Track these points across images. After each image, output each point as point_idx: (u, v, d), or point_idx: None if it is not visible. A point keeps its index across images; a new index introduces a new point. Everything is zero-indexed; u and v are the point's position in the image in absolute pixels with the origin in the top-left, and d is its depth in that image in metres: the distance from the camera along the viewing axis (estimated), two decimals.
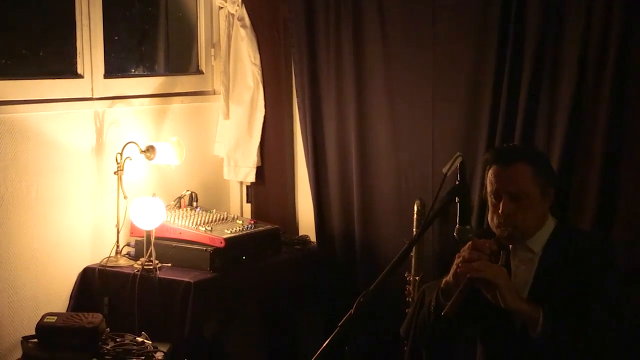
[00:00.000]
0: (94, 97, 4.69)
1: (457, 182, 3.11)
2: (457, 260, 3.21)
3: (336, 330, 2.71)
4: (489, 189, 3.30)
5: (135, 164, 4.72)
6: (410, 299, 4.46)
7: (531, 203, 3.23)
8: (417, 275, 4.48)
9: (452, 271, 3.23)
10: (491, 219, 3.32)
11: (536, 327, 3.07)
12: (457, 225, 3.15)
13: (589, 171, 4.12)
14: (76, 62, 4.65)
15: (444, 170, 3.10)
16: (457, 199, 3.09)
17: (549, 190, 3.29)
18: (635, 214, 4.05)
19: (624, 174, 4.07)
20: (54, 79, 4.57)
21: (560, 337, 3.08)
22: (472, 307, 3.24)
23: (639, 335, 3.48)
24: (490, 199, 3.31)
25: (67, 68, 4.66)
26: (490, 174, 3.29)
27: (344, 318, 2.73)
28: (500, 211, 3.25)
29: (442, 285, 3.28)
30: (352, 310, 2.74)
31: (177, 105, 5.16)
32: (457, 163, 3.10)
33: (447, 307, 3.12)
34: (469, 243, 3.20)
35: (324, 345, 2.69)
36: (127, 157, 4.60)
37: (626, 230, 4.08)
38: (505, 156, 3.30)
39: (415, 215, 4.47)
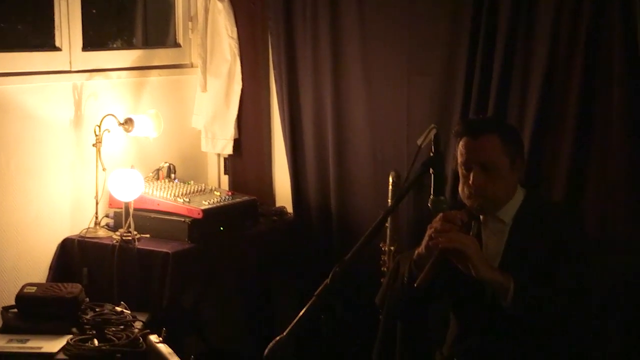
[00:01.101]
0: (72, 69, 4.65)
1: (431, 154, 3.11)
2: (428, 232, 3.21)
3: (312, 300, 2.71)
4: (459, 160, 3.30)
5: (113, 136, 4.69)
6: (385, 269, 4.48)
7: (500, 174, 3.24)
8: (392, 246, 4.50)
9: (424, 242, 3.23)
10: (462, 190, 3.33)
11: (507, 296, 3.08)
12: (431, 196, 3.15)
13: (560, 142, 4.13)
14: (54, 35, 4.60)
15: (419, 142, 3.10)
16: (431, 170, 3.09)
17: (518, 161, 3.30)
18: (606, 183, 4.07)
19: (594, 144, 4.08)
20: (32, 51, 4.53)
21: (530, 306, 3.10)
22: (445, 278, 3.25)
23: (606, 304, 3.50)
24: (460, 171, 3.32)
25: (45, 41, 4.61)
26: (460, 146, 3.30)
27: (320, 287, 2.73)
28: (470, 182, 3.25)
29: (414, 256, 3.29)
30: (328, 280, 2.74)
31: (155, 78, 5.13)
32: (432, 135, 3.10)
33: (420, 278, 3.13)
34: (440, 214, 3.20)
35: (301, 314, 2.69)
36: (105, 130, 4.57)
37: (596, 200, 4.10)
38: (474, 128, 3.31)
39: (390, 187, 4.48)
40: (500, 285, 3.11)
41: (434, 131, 3.09)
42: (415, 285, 3.15)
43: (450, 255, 3.14)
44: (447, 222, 3.18)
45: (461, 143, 3.30)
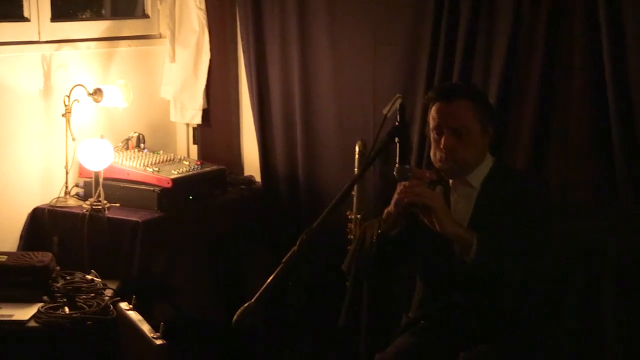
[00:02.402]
0: (41, 40, 4.60)
1: (396, 123, 3.11)
2: (397, 189, 3.22)
3: (280, 267, 2.71)
4: (431, 124, 3.31)
5: (83, 107, 4.65)
6: (352, 237, 4.48)
7: (472, 138, 3.25)
8: (359, 214, 4.50)
9: (393, 200, 3.23)
10: (433, 154, 3.34)
11: (470, 251, 3.10)
12: (397, 165, 3.16)
13: (523, 111, 4.15)
14: (23, 5, 4.54)
15: (384, 111, 3.10)
16: (396, 139, 3.09)
17: (488, 127, 3.31)
18: (568, 150, 4.10)
19: (556, 113, 4.10)
20: (1, 22, 4.47)
21: (494, 261, 3.12)
22: (411, 233, 3.26)
23: (569, 270, 3.53)
24: (432, 135, 3.32)
25: (13, 11, 4.55)
26: (432, 110, 3.30)
27: (288, 255, 2.73)
28: (441, 145, 3.26)
29: (383, 215, 3.29)
30: (295, 247, 2.74)
31: (124, 49, 5.08)
32: (397, 104, 3.10)
33: (387, 225, 3.15)
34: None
35: (269, 281, 2.70)
36: (74, 100, 4.53)
37: (558, 167, 4.12)
38: (447, 93, 3.31)
39: (356, 156, 4.48)
40: (464, 240, 3.14)
41: (399, 101, 3.09)
42: (379, 231, 3.17)
43: (416, 210, 3.16)
44: (416, 180, 3.18)
45: (434, 108, 3.30)
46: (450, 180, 3.35)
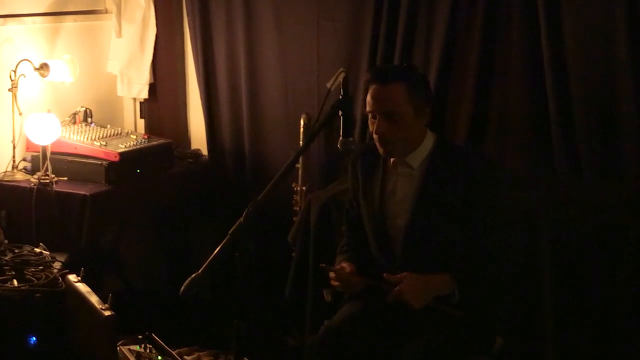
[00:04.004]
0: None
1: (340, 97, 3.09)
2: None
3: (226, 238, 2.70)
4: (367, 107, 3.29)
5: (29, 81, 4.57)
6: (297, 208, 4.49)
7: (404, 122, 3.21)
8: (304, 186, 4.50)
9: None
10: (372, 135, 3.33)
11: (454, 296, 3.15)
12: (340, 138, 3.15)
13: (462, 86, 4.17)
14: None
15: (328, 85, 3.09)
16: (340, 112, 3.08)
17: (424, 109, 3.25)
18: (505, 125, 4.13)
19: (495, 88, 4.13)
20: None
21: (479, 290, 3.20)
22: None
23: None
24: (369, 117, 3.31)
25: None
26: (369, 94, 3.27)
27: (234, 226, 2.72)
28: (374, 131, 3.25)
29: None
30: (241, 219, 2.73)
31: (70, 24, 4.99)
32: (340, 78, 3.08)
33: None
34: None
35: (215, 252, 2.68)
36: (21, 75, 4.46)
37: (496, 140, 4.15)
38: (382, 76, 3.27)
39: (301, 129, 4.48)
40: (444, 292, 3.16)
41: (342, 75, 3.08)
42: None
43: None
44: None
45: (369, 90, 3.27)
46: (392, 160, 3.33)
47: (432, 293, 3.16)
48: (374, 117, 3.24)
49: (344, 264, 3.33)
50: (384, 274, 3.18)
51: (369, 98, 3.25)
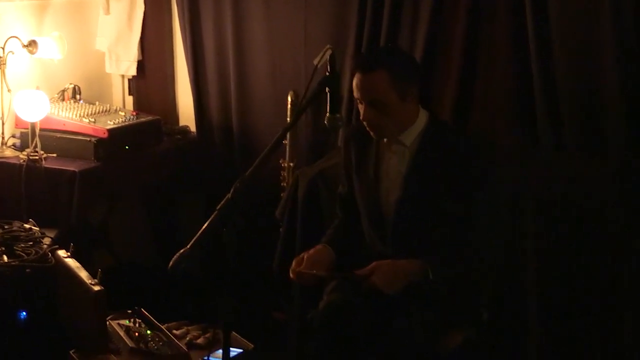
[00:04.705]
0: None
1: (327, 74, 3.09)
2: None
3: (214, 214, 2.69)
4: (354, 94, 3.28)
5: (17, 58, 4.56)
6: (285, 184, 4.49)
7: (390, 109, 3.19)
8: (291, 162, 4.50)
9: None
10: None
11: (428, 278, 3.14)
12: (327, 114, 3.15)
13: (449, 62, 4.16)
14: None
15: (315, 62, 3.08)
16: (327, 89, 3.08)
17: (410, 92, 3.22)
18: (491, 100, 4.13)
19: (480, 64, 4.12)
20: None
21: (454, 272, 3.20)
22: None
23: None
24: (357, 102, 3.30)
25: None
26: (354, 81, 3.26)
27: (222, 202, 2.71)
28: (362, 118, 3.25)
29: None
30: (229, 195, 2.72)
31: (58, 1, 4.96)
32: (327, 55, 3.08)
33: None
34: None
35: (203, 227, 2.68)
36: (9, 52, 4.44)
37: (482, 116, 4.15)
38: (365, 64, 3.24)
39: (289, 105, 4.47)
40: (417, 277, 3.16)
41: (329, 52, 3.07)
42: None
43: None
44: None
45: (355, 78, 3.26)
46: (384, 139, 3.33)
47: (405, 279, 3.16)
48: (360, 102, 3.25)
49: (295, 260, 3.34)
50: (355, 271, 3.19)
51: (354, 85, 3.24)
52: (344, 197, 3.53)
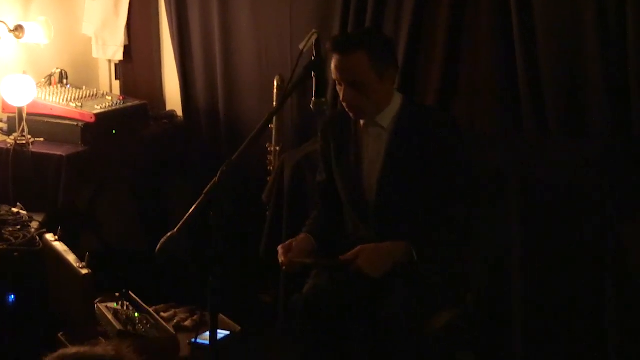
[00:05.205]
0: None
1: (312, 58, 3.09)
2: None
3: (201, 198, 2.70)
4: (333, 75, 3.28)
5: (4, 43, 4.54)
6: (271, 168, 4.49)
7: (369, 89, 3.19)
8: (278, 146, 4.51)
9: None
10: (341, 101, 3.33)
11: (413, 259, 3.14)
12: (313, 99, 3.15)
13: (433, 47, 4.16)
14: None
15: (301, 46, 3.09)
16: (313, 73, 3.08)
17: (388, 72, 3.23)
18: (475, 85, 4.13)
19: (464, 49, 4.13)
20: None
21: (439, 253, 3.21)
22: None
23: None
24: (337, 84, 3.30)
25: None
26: (333, 63, 3.26)
27: (209, 186, 2.72)
28: (341, 99, 3.25)
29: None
30: (216, 179, 2.73)
31: None
32: (313, 40, 3.09)
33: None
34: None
35: (190, 211, 2.69)
36: None
37: (465, 101, 4.16)
38: (342, 45, 3.23)
39: (275, 90, 4.47)
40: (403, 259, 3.16)
41: (315, 36, 3.08)
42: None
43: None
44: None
45: (333, 60, 3.26)
46: (362, 122, 3.33)
47: (390, 261, 3.16)
48: (339, 84, 3.24)
49: (281, 247, 3.33)
50: (340, 257, 3.19)
51: (332, 67, 3.23)
52: (323, 186, 3.52)
